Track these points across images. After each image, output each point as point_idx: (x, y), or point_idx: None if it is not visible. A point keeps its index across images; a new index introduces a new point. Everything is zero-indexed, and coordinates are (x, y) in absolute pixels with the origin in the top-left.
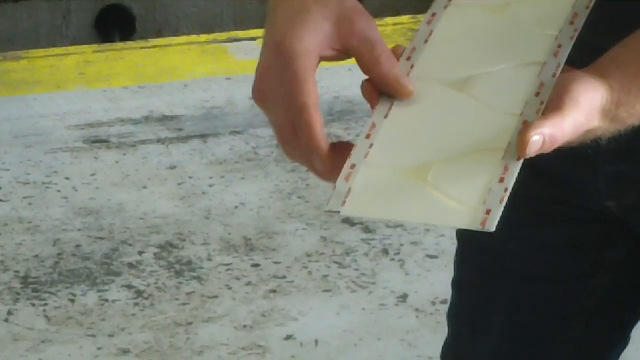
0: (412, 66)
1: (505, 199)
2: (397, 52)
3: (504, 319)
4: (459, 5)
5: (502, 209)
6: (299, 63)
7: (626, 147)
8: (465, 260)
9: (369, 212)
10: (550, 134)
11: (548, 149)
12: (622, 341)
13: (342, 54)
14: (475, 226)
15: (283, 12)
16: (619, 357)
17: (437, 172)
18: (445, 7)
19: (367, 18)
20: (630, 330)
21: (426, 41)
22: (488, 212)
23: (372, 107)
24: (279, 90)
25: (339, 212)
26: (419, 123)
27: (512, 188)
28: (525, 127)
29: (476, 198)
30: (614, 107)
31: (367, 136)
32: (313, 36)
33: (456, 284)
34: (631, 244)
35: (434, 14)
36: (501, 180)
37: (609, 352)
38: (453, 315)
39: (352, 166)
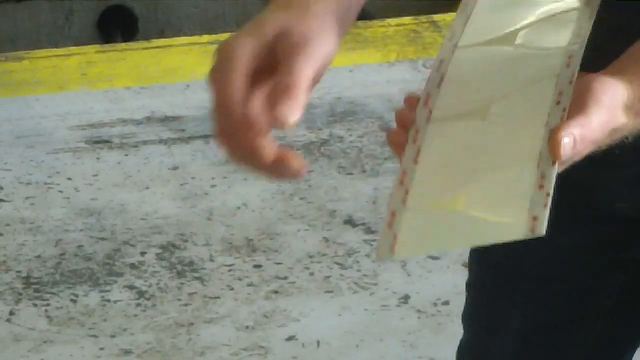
0: (430, 111)
1: (549, 203)
2: (412, 100)
3: (521, 320)
4: (466, 47)
5: (548, 212)
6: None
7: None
8: (481, 262)
9: (421, 250)
10: (580, 134)
11: (581, 150)
12: (636, 346)
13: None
14: (525, 235)
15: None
16: (632, 356)
17: (476, 196)
18: (453, 52)
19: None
20: None
21: (439, 85)
22: (535, 218)
23: (398, 155)
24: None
25: (391, 257)
26: (449, 159)
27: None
28: (554, 131)
29: (520, 209)
30: (637, 102)
31: (401, 182)
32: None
33: (471, 285)
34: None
35: (442, 61)
36: (541, 187)
37: (626, 351)
38: (469, 317)
39: (393, 214)
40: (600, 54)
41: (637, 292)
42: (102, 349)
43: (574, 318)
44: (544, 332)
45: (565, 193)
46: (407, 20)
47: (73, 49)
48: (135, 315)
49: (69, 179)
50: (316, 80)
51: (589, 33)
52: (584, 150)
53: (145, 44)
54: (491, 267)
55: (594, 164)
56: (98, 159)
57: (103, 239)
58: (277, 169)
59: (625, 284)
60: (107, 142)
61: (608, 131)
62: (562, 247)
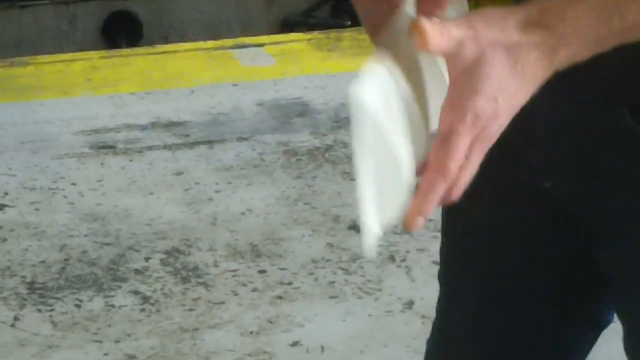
0: None
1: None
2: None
3: (475, 299)
4: None
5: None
6: None
7: (559, 126)
8: (441, 250)
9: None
10: (437, 24)
11: (445, 38)
12: (593, 327)
13: None
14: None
15: None
16: (591, 344)
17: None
18: None
19: None
20: (602, 317)
21: None
22: None
23: None
24: None
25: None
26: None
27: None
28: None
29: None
30: (536, 13)
31: None
32: None
33: (439, 274)
34: (574, 231)
35: None
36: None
37: (576, 337)
38: (438, 301)
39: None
40: None
41: (579, 277)
42: (106, 354)
43: (522, 298)
44: (494, 304)
45: (500, 172)
46: None
47: (77, 54)
48: (140, 320)
49: (73, 184)
50: None
51: None
52: (450, 40)
53: (149, 49)
54: (448, 254)
55: (523, 139)
56: (102, 164)
57: (107, 244)
58: None
59: (564, 267)
60: (111, 147)
61: (499, 46)
62: (502, 227)
